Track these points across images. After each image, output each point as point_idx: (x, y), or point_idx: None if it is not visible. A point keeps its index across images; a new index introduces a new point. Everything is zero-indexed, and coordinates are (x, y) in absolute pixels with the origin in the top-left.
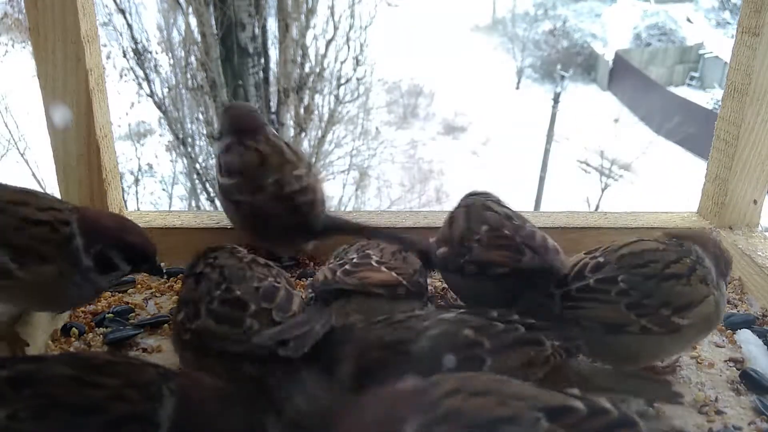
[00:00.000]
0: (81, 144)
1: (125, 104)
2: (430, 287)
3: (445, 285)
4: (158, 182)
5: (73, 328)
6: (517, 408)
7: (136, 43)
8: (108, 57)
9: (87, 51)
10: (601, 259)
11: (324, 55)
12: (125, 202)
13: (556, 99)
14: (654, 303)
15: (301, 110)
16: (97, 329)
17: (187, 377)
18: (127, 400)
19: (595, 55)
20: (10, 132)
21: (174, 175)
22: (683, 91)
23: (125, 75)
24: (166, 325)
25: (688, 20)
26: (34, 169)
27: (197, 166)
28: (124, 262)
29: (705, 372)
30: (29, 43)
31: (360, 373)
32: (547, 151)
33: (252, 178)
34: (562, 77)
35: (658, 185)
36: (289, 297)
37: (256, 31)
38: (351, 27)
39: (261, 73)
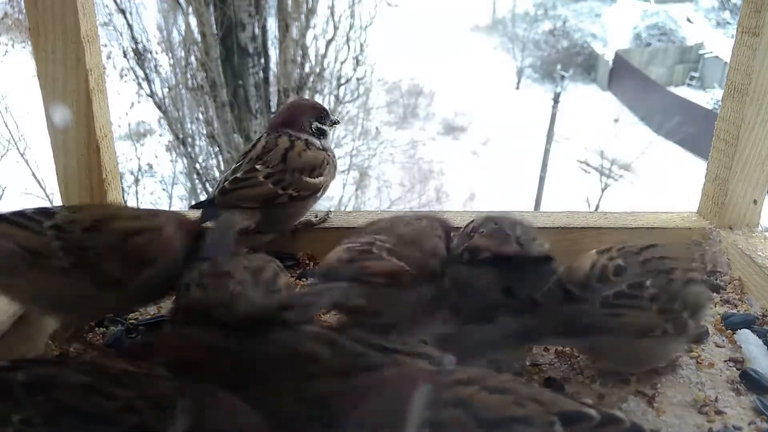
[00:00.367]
0: (81, 144)
1: (125, 104)
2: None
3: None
4: (158, 182)
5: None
6: (533, 410)
7: (136, 43)
8: (108, 57)
9: (87, 51)
10: (620, 262)
11: (324, 55)
12: (125, 202)
13: (556, 99)
14: (677, 308)
15: None
16: (97, 329)
17: (205, 393)
18: (138, 412)
19: (595, 55)
20: (10, 132)
21: (174, 175)
22: (683, 91)
23: (125, 75)
24: None
25: (688, 20)
26: (34, 169)
27: (197, 166)
28: None
29: (705, 372)
30: (29, 43)
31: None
32: (547, 151)
33: None
34: (562, 77)
35: (658, 185)
36: (275, 275)
37: (256, 31)
38: (351, 27)
39: (261, 73)
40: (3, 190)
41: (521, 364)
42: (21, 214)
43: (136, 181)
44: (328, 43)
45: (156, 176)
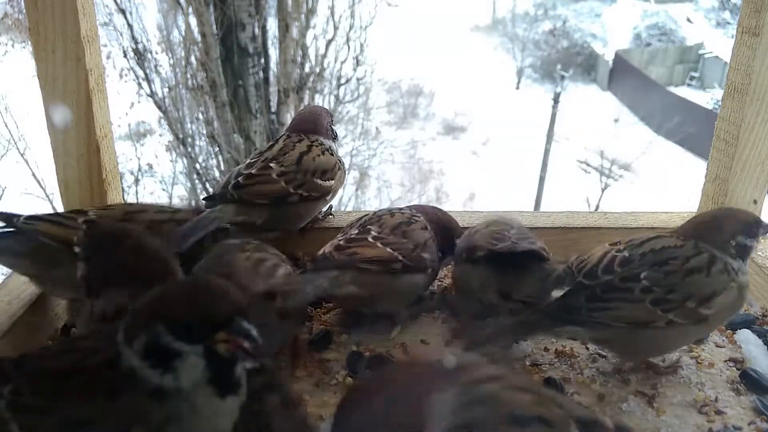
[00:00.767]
0: (81, 144)
1: (125, 104)
2: (432, 287)
3: (447, 285)
4: (158, 182)
5: (73, 328)
6: (554, 412)
7: (136, 43)
8: (108, 57)
9: (87, 51)
10: (626, 254)
11: (324, 55)
12: (125, 202)
13: (556, 99)
14: (678, 298)
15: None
16: None
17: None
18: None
19: (595, 55)
20: (10, 132)
21: (174, 175)
22: (683, 91)
23: (125, 75)
24: None
25: (688, 20)
26: (34, 169)
27: (197, 166)
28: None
29: (705, 372)
30: (29, 43)
31: None
32: (547, 151)
33: None
34: (562, 77)
35: (658, 185)
36: (275, 266)
37: (256, 31)
38: (351, 27)
39: (261, 73)
40: (3, 190)
41: (521, 364)
42: (56, 214)
43: (136, 181)
44: (328, 43)
45: (156, 176)
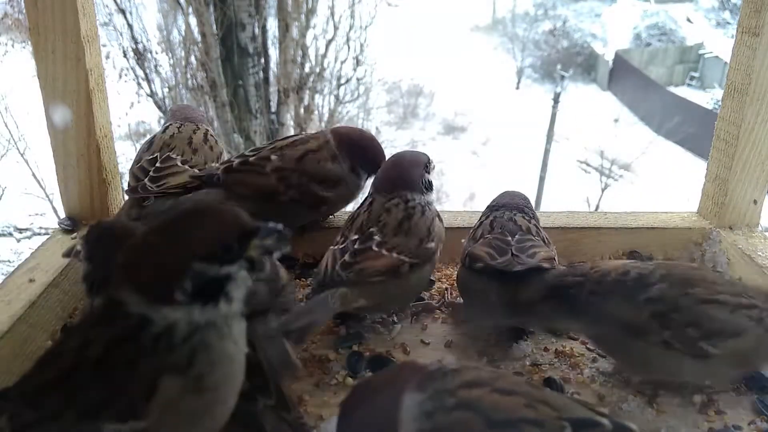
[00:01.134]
0: (81, 144)
1: (125, 104)
2: (432, 289)
3: (447, 287)
4: None
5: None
6: (545, 413)
7: (136, 43)
8: (108, 57)
9: (87, 51)
10: (643, 272)
11: (324, 55)
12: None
13: (556, 99)
14: (681, 319)
15: (301, 110)
16: None
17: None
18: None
19: (595, 55)
20: (10, 132)
21: None
22: (683, 91)
23: (125, 75)
24: None
25: (688, 20)
26: (34, 169)
27: None
28: None
29: None
30: (29, 43)
31: None
32: (547, 151)
33: None
34: (562, 77)
35: (658, 185)
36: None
37: (256, 31)
38: (351, 27)
39: (261, 73)
40: (3, 190)
41: (521, 364)
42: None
43: None
44: (328, 43)
45: None
